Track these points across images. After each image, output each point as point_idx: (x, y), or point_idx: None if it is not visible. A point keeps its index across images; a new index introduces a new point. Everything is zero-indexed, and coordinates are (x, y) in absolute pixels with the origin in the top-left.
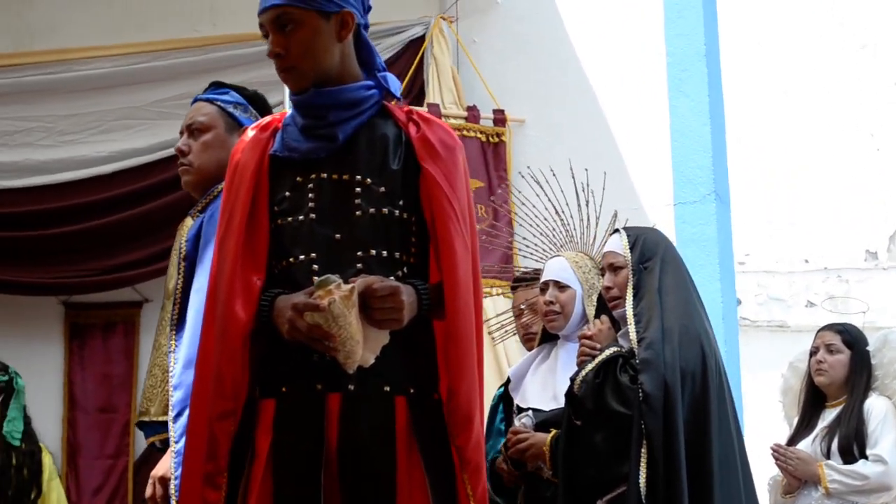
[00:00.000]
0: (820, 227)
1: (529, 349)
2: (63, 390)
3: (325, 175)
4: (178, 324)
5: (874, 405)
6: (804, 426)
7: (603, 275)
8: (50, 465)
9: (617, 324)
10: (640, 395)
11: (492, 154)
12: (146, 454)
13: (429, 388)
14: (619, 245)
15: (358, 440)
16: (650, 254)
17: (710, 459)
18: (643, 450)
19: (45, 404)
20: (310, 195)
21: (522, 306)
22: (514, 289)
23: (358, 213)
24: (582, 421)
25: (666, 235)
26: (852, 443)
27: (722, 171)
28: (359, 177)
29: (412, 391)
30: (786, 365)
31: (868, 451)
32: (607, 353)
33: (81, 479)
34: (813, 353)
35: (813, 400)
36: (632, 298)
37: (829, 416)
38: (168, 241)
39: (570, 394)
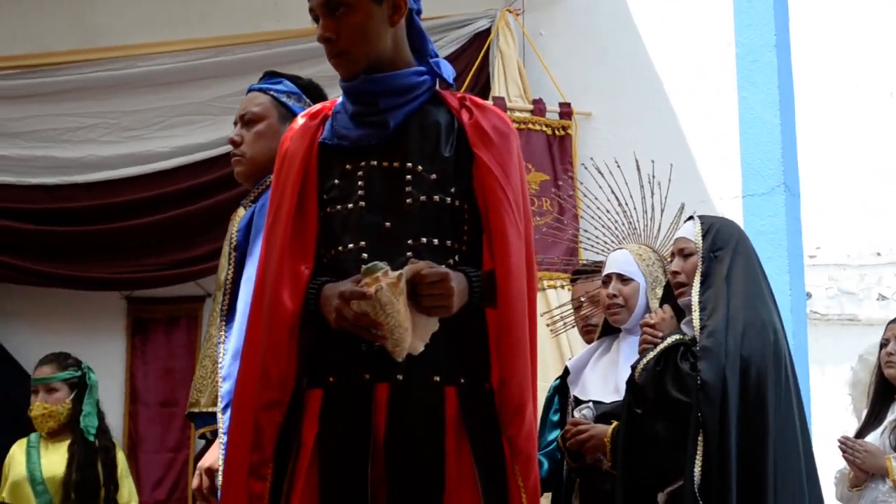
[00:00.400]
0: (892, 219)
1: (588, 342)
2: (125, 384)
3: (374, 162)
4: (229, 315)
5: None
6: (873, 419)
7: (672, 260)
8: (123, 460)
9: (681, 314)
10: (699, 382)
11: (557, 147)
12: (205, 447)
13: (480, 378)
14: (691, 231)
15: (406, 431)
16: (722, 243)
17: (766, 453)
18: (699, 439)
19: (107, 398)
20: (359, 183)
21: (583, 298)
22: (573, 281)
23: (408, 200)
24: (642, 409)
25: (741, 228)
26: None
27: (791, 162)
28: (409, 164)
29: (463, 381)
30: (856, 359)
31: None
32: (669, 340)
33: (142, 473)
34: (883, 345)
35: (882, 392)
36: (699, 286)
37: None
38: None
39: (630, 382)
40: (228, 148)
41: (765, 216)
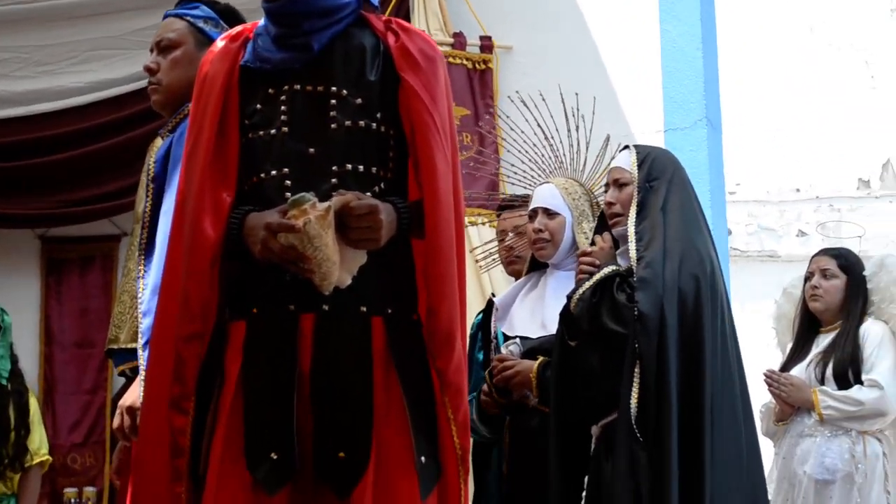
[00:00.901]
0: (811, 155)
1: (512, 273)
2: (39, 326)
3: (298, 87)
4: (147, 248)
5: (870, 330)
6: (798, 352)
7: (606, 190)
8: (35, 406)
9: (617, 244)
10: (636, 313)
11: (478, 81)
12: (124, 388)
13: (407, 308)
14: (627, 161)
15: (332, 362)
16: (658, 173)
17: (704, 385)
18: (636, 371)
19: (21, 340)
20: (282, 108)
21: (511, 233)
22: (498, 215)
23: (333, 126)
24: (577, 341)
25: (676, 158)
26: (847, 368)
27: (714, 96)
28: (334, 88)
29: (390, 311)
30: (776, 295)
31: (863, 377)
32: (605, 271)
33: (58, 416)
34: (808, 278)
35: (807, 326)
36: (635, 216)
37: (823, 341)
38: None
39: (565, 313)
40: (144, 83)
41: (686, 151)
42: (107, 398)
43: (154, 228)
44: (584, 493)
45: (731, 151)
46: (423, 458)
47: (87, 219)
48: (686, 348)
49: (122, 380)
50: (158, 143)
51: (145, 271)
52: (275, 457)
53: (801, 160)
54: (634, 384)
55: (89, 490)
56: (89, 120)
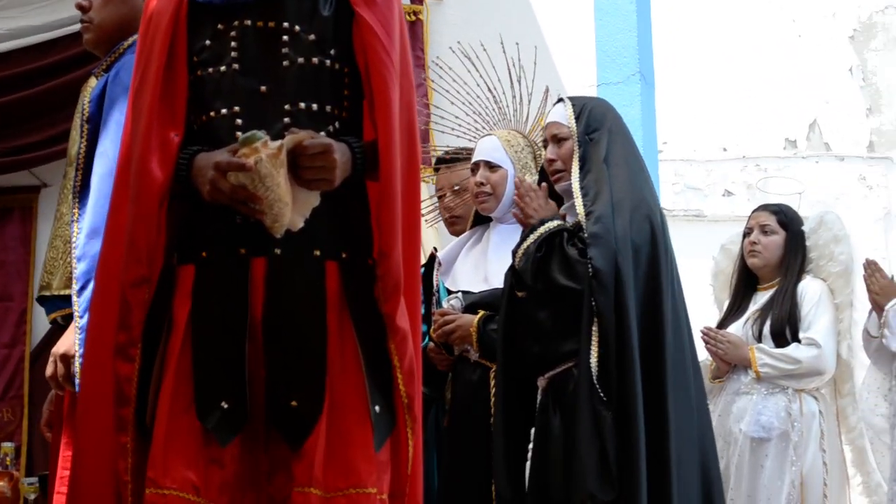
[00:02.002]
0: (739, 114)
1: (454, 234)
2: None
3: (248, 22)
4: (82, 191)
5: (808, 287)
6: (735, 310)
7: (545, 147)
8: None
9: (559, 200)
10: (590, 270)
11: (408, 32)
12: (48, 337)
13: (363, 252)
14: (563, 115)
15: (285, 307)
16: (597, 124)
17: (664, 338)
18: (594, 328)
19: None
20: (232, 44)
21: (449, 192)
22: (436, 169)
23: (285, 63)
24: (526, 294)
25: (612, 105)
26: (784, 326)
27: (647, 52)
28: (286, 24)
29: (344, 256)
30: (702, 255)
31: (801, 335)
32: (550, 225)
33: None
34: (746, 234)
35: (745, 283)
36: (578, 171)
37: (761, 299)
38: (67, 123)
39: (512, 267)
40: (66, 30)
41: (620, 106)
42: (26, 352)
43: (89, 170)
44: (530, 446)
45: (658, 109)
46: (377, 408)
47: (10, 170)
48: (645, 303)
49: (42, 333)
50: (93, 84)
51: (80, 215)
52: (226, 406)
53: (728, 120)
54: (593, 342)
55: (7, 445)
56: (7, 69)
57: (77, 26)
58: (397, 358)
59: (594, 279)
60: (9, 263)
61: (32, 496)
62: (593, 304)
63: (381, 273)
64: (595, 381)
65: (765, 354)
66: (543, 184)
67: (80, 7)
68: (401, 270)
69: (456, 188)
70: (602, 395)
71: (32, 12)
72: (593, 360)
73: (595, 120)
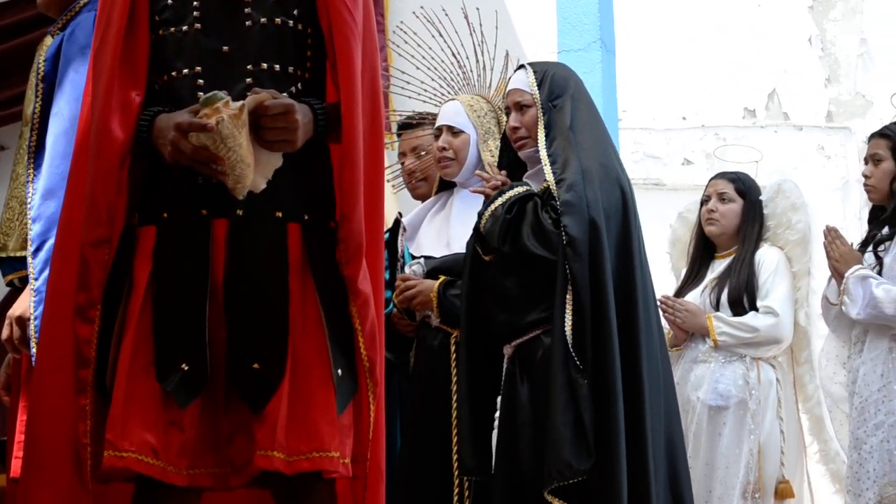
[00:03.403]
0: (698, 83)
1: (418, 197)
2: None
3: None
4: (37, 151)
5: (766, 256)
6: (692, 278)
7: (507, 114)
8: None
9: (519, 168)
10: (565, 238)
11: None
12: (5, 300)
13: (325, 215)
14: (524, 82)
15: (246, 268)
16: (560, 91)
17: (636, 304)
18: (568, 296)
19: None
20: (194, 3)
21: (411, 155)
22: (398, 135)
23: (248, 23)
24: (493, 260)
25: (572, 70)
26: (742, 294)
27: (608, 19)
28: None
29: (307, 218)
30: (661, 223)
31: (758, 303)
32: (519, 189)
33: None
34: (704, 202)
35: (702, 251)
36: (544, 138)
37: (718, 267)
38: (24, 85)
39: (477, 230)
40: None
41: (581, 73)
42: None
43: (44, 131)
44: (496, 414)
45: (618, 78)
46: (339, 371)
47: None
48: (618, 271)
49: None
50: (48, 43)
51: (35, 175)
52: (186, 367)
53: (688, 88)
54: (567, 310)
55: None
56: None
57: None
58: (358, 321)
59: (569, 247)
60: None
61: None
62: (567, 271)
63: (342, 236)
64: (570, 349)
65: (722, 323)
66: (503, 171)
67: None
68: (363, 233)
69: (421, 153)
70: (578, 363)
71: None
72: (568, 327)
73: (558, 86)
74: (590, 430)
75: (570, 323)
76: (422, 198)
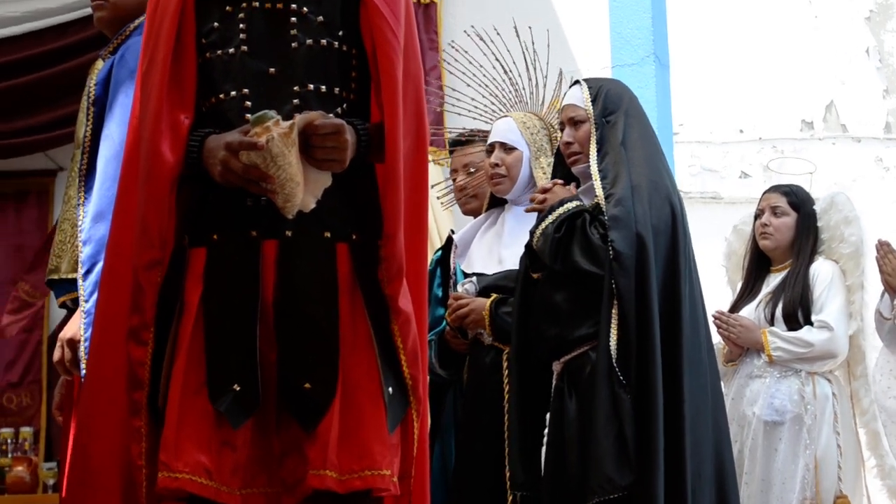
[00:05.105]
0: (755, 96)
1: (468, 213)
2: None
3: (256, 4)
4: (88, 174)
5: (820, 269)
6: (748, 292)
7: (561, 129)
8: None
9: (577, 182)
10: (611, 253)
11: (422, 16)
12: (64, 322)
13: (373, 234)
14: (579, 97)
15: (297, 290)
16: (613, 106)
17: (681, 321)
18: (614, 311)
19: None
20: (240, 26)
21: (462, 172)
22: (451, 151)
23: (294, 44)
24: (543, 276)
25: (628, 87)
26: (797, 308)
27: (661, 33)
28: (294, 5)
29: (355, 237)
30: (718, 237)
31: (813, 317)
32: (569, 206)
33: None
34: (758, 216)
35: (757, 265)
36: (595, 154)
37: (773, 281)
38: (77, 106)
39: (529, 247)
40: (80, 13)
41: (634, 88)
42: (43, 336)
43: (95, 153)
44: (545, 430)
45: (674, 91)
46: (390, 389)
47: (22, 152)
48: (664, 286)
49: (61, 316)
50: (99, 66)
51: (86, 198)
52: (238, 388)
53: (745, 101)
54: (613, 324)
55: (26, 430)
56: (24, 51)
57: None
58: (400, 340)
59: (615, 262)
60: (26, 248)
61: (51, 481)
62: (614, 286)
63: (385, 255)
64: (614, 364)
65: (777, 338)
66: (559, 181)
67: None
68: (403, 252)
69: (472, 170)
70: (621, 377)
71: None
72: (612, 342)
73: (611, 102)
74: (632, 445)
75: (614, 337)
76: (472, 213)
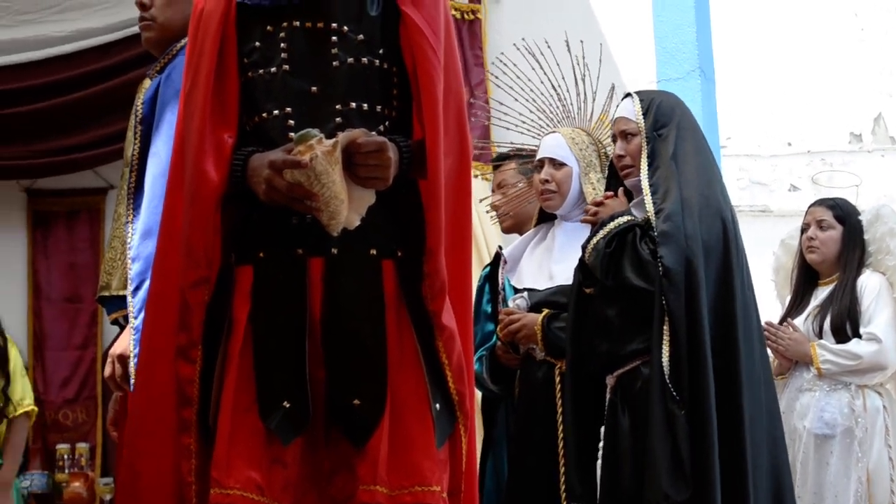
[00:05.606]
0: (803, 109)
1: (506, 231)
2: (28, 280)
3: (297, 23)
4: (136, 192)
5: (867, 282)
6: (796, 305)
7: (614, 142)
8: (17, 357)
9: (630, 196)
10: (661, 269)
11: (467, 32)
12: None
13: (416, 251)
14: (630, 110)
15: (344, 308)
16: (665, 119)
17: (736, 335)
18: (665, 327)
19: (9, 294)
20: (282, 45)
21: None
22: (496, 167)
23: (335, 63)
24: (595, 291)
25: (681, 100)
26: (845, 321)
27: (706, 47)
28: (334, 24)
29: (400, 254)
30: (768, 250)
31: (861, 330)
32: (620, 220)
33: (49, 371)
34: (804, 229)
35: (805, 278)
36: (646, 168)
37: (821, 294)
38: (126, 123)
39: (581, 262)
40: (124, 33)
41: None
42: (97, 353)
43: (143, 171)
44: (600, 444)
45: (721, 105)
46: (437, 406)
47: (71, 169)
48: (716, 301)
49: (115, 332)
50: (147, 85)
51: (134, 216)
52: (287, 405)
53: (793, 114)
54: (664, 341)
55: (82, 446)
56: (72, 69)
57: (135, 28)
58: (445, 356)
59: (665, 278)
60: (79, 265)
61: (108, 496)
62: (664, 303)
63: (428, 271)
64: (667, 381)
65: (826, 351)
66: (621, 192)
67: (140, 5)
68: (444, 268)
69: (506, 190)
70: (674, 393)
71: (92, 15)
72: (665, 358)
73: (663, 115)
74: (687, 460)
75: (666, 354)
76: (508, 231)
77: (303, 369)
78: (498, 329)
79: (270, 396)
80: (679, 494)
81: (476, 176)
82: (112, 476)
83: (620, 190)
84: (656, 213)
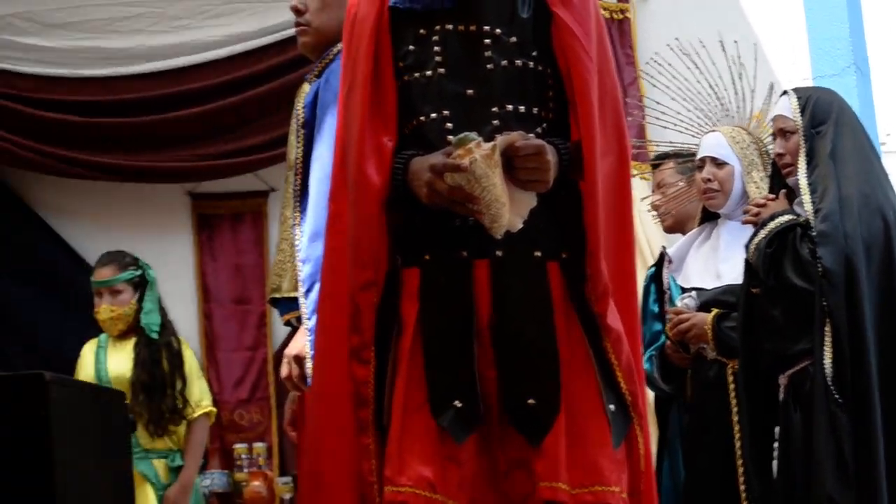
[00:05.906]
0: None
1: (667, 230)
2: (196, 282)
3: (450, 26)
4: (302, 195)
5: None
6: None
7: (775, 140)
8: (192, 358)
9: (793, 194)
10: (820, 270)
11: (616, 31)
12: (288, 338)
13: (580, 253)
14: (788, 108)
15: (512, 310)
16: (823, 116)
17: None
18: (827, 329)
19: (179, 296)
20: (436, 48)
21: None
22: (655, 167)
23: (489, 65)
24: (760, 290)
25: (839, 95)
26: None
27: (860, 42)
28: (487, 27)
29: (564, 256)
30: None
31: None
32: (782, 220)
33: (222, 372)
34: None
35: None
36: (805, 166)
37: None
38: (282, 128)
39: (748, 262)
40: (277, 37)
41: None
42: (268, 354)
43: (307, 174)
44: (775, 443)
45: (879, 100)
46: (612, 406)
47: (232, 172)
48: (880, 301)
49: (283, 334)
50: (306, 89)
51: (301, 218)
52: (459, 405)
53: None
54: (826, 343)
55: (259, 446)
56: (228, 73)
57: (289, 31)
58: (614, 356)
59: (824, 279)
60: (245, 267)
61: (288, 495)
62: (824, 304)
63: (591, 272)
64: (829, 383)
65: None
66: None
67: (295, 10)
68: (605, 270)
69: (664, 190)
70: (837, 396)
71: (246, 19)
72: (827, 361)
73: (821, 111)
74: (851, 463)
75: (829, 355)
76: (670, 230)
77: (472, 370)
78: (667, 328)
79: (442, 395)
80: (843, 497)
81: (634, 175)
82: (290, 475)
83: (782, 192)
84: (815, 212)
